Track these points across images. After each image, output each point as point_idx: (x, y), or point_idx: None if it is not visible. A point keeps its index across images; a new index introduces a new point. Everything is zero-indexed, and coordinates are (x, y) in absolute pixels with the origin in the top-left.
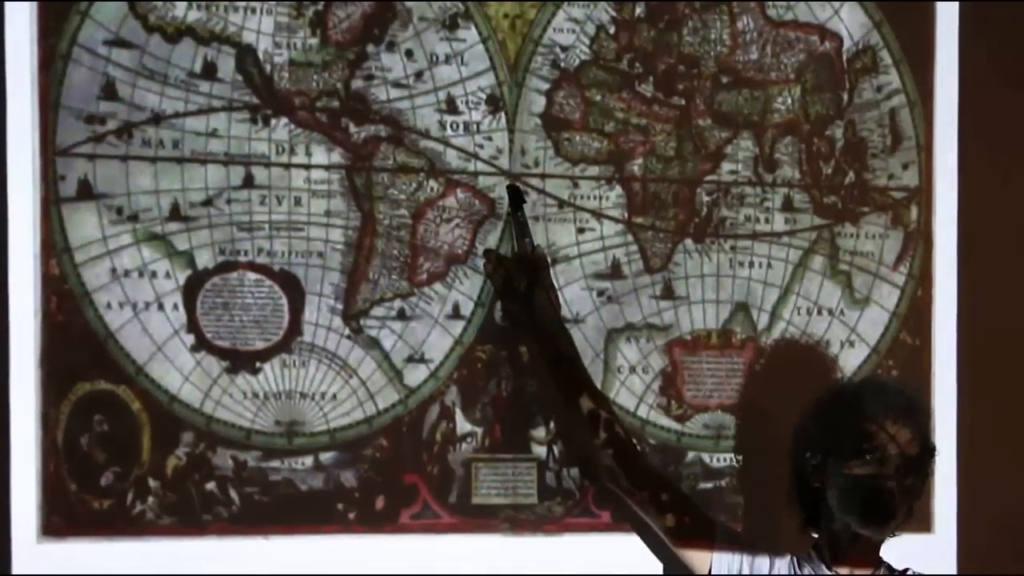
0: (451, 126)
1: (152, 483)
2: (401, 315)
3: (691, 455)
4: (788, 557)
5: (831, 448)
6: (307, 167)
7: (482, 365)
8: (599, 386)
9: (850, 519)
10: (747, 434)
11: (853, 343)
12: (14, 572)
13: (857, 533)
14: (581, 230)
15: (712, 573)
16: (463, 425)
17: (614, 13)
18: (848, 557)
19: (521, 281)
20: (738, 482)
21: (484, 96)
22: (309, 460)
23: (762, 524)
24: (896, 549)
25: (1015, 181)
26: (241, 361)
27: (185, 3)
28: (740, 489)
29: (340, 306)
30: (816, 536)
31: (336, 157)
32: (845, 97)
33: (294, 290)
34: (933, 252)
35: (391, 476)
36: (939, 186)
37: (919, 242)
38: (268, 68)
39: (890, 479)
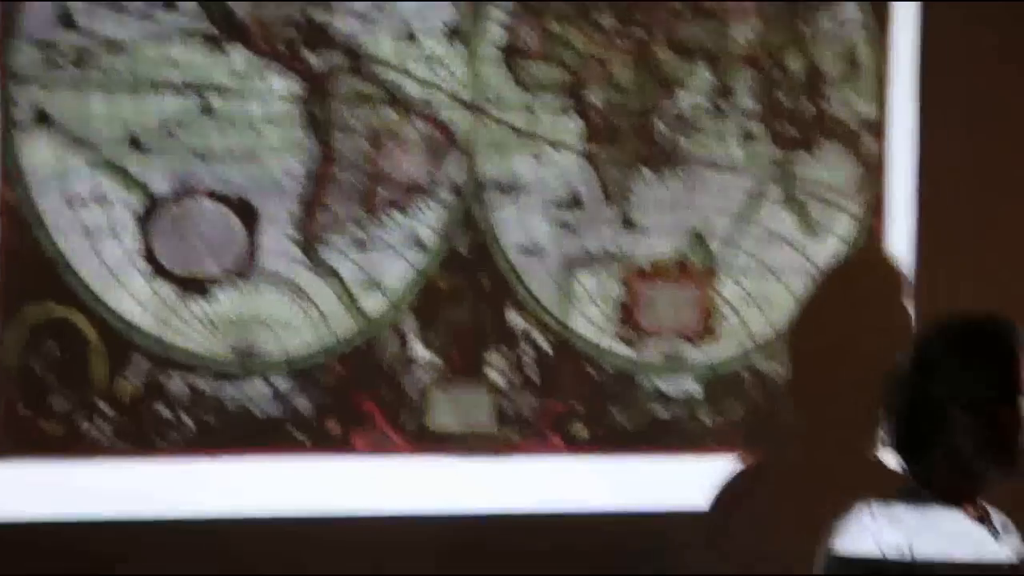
0: (411, 57)
1: (105, 408)
2: (359, 244)
3: (647, 382)
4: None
5: (971, 386)
6: (265, 96)
7: (441, 294)
8: (559, 316)
9: (986, 463)
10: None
11: (807, 271)
12: None
13: (978, 475)
14: (540, 159)
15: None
16: (420, 352)
17: None
18: (964, 499)
19: None
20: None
21: (444, 27)
22: (264, 386)
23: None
24: None
25: (972, 111)
26: (197, 288)
27: None
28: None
29: (298, 235)
30: (908, 472)
31: (294, 87)
32: (803, 29)
33: (251, 218)
34: (888, 182)
35: (346, 402)
36: (895, 117)
37: (875, 172)
38: None
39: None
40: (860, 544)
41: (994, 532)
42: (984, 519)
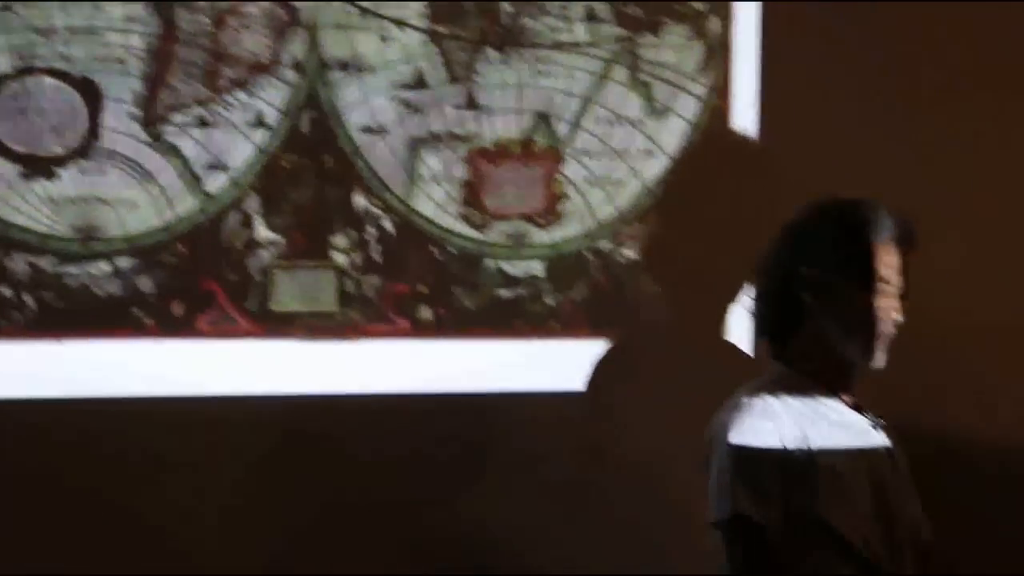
0: None
1: None
2: (202, 122)
3: (490, 263)
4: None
5: (837, 268)
6: None
7: (285, 174)
8: (403, 197)
9: (852, 347)
10: None
11: (652, 153)
12: None
13: (844, 361)
14: (384, 39)
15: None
16: (263, 232)
17: None
18: (839, 387)
19: None
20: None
21: None
22: (106, 266)
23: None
24: None
25: None
26: (38, 166)
27: None
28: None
29: (140, 112)
30: (777, 358)
31: None
32: None
33: (93, 96)
34: (733, 63)
35: (189, 282)
36: None
37: (719, 53)
38: None
39: (896, 310)
40: (762, 438)
41: (873, 421)
42: (860, 409)
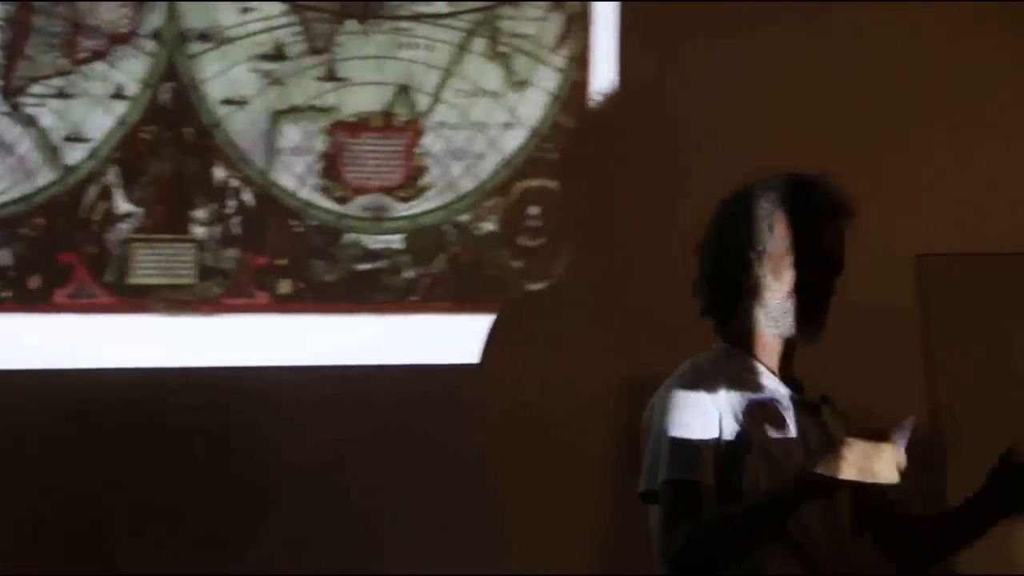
0: None
1: None
2: (60, 93)
3: (350, 236)
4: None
5: (770, 245)
6: None
7: (144, 146)
8: (263, 170)
9: (785, 324)
10: None
11: (512, 125)
12: None
13: (784, 338)
14: (245, 10)
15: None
16: (122, 205)
17: None
18: (772, 359)
19: None
20: None
21: None
22: None
23: None
24: None
25: None
26: None
27: None
28: None
29: None
30: (723, 336)
31: None
32: None
33: None
34: (592, 34)
35: (47, 255)
36: None
37: (579, 24)
38: None
39: (829, 285)
40: (698, 414)
41: (812, 401)
42: (800, 388)
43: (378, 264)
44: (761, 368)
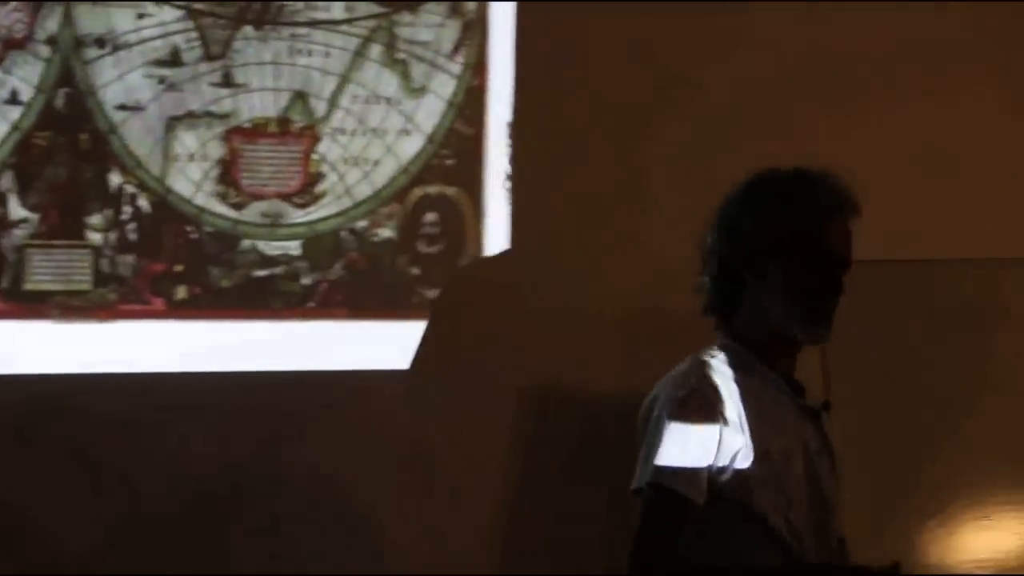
0: None
1: None
2: None
3: (246, 243)
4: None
5: (778, 242)
6: None
7: (39, 151)
8: (159, 176)
9: (793, 322)
10: None
11: (409, 132)
12: None
13: (785, 335)
14: (141, 15)
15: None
16: (17, 211)
17: None
18: (777, 363)
19: None
20: None
21: None
22: None
23: None
24: None
25: None
26: None
27: None
28: None
29: None
30: (725, 333)
31: None
32: None
33: None
34: (489, 41)
35: None
36: None
37: (476, 31)
38: None
39: (838, 283)
40: (697, 411)
41: (813, 404)
42: (802, 389)
43: (275, 270)
44: (764, 369)
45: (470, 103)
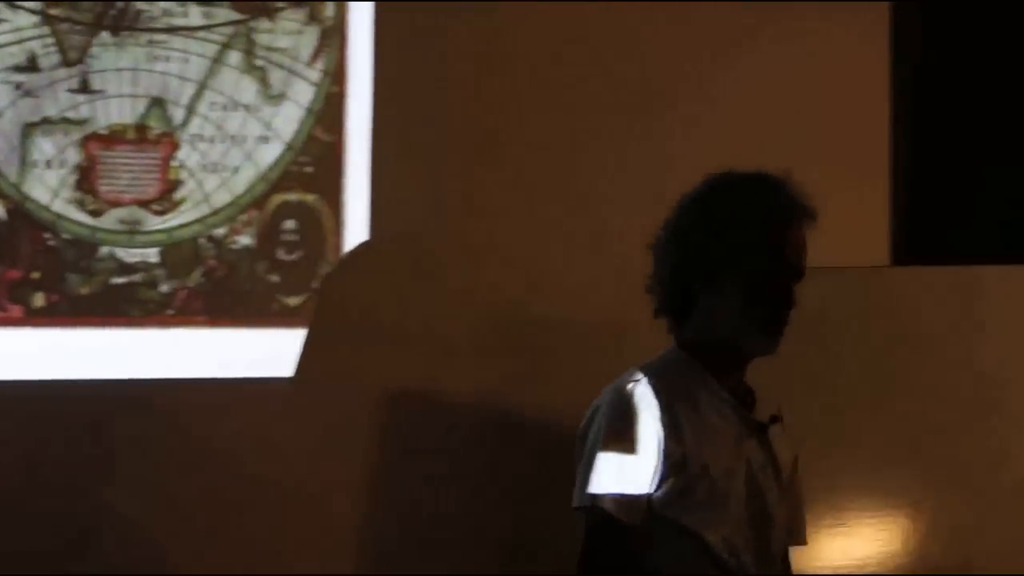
0: None
1: None
2: None
3: (105, 250)
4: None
5: (733, 254)
6: None
7: None
8: (15, 182)
9: (746, 334)
10: None
11: (268, 139)
12: None
13: (736, 343)
14: None
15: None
16: None
17: None
18: (726, 373)
19: None
20: None
21: None
22: None
23: None
24: None
25: None
26: None
27: None
28: None
29: None
30: (676, 338)
31: None
32: None
33: None
34: (348, 48)
35: None
36: None
37: (335, 38)
38: None
39: (791, 292)
40: (635, 427)
41: (759, 419)
42: (751, 402)
43: (134, 278)
44: (711, 380)
45: (329, 110)
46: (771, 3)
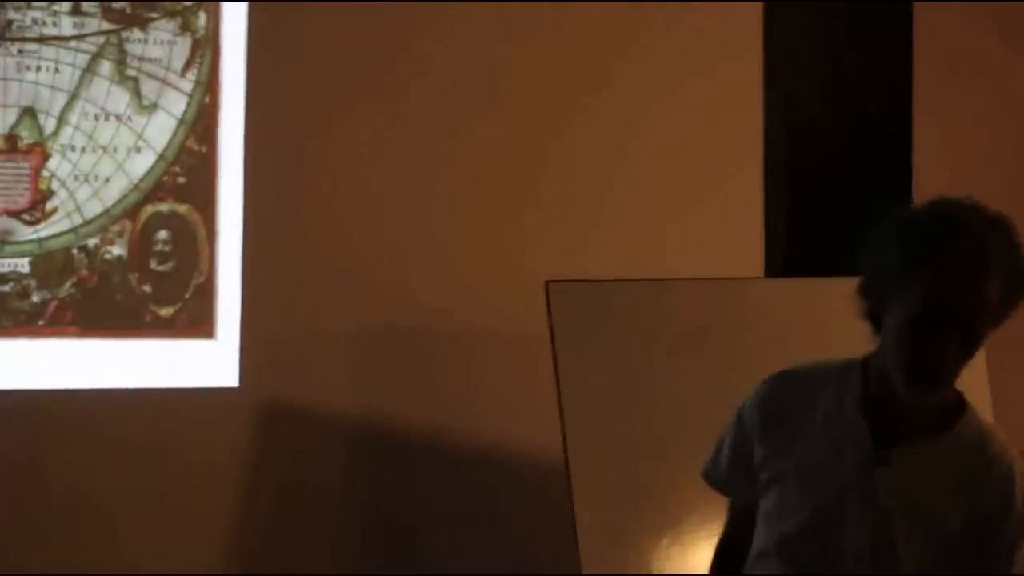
0: None
1: None
2: None
3: None
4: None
5: (889, 286)
6: None
7: None
8: None
9: (892, 370)
10: None
11: (140, 149)
12: None
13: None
14: None
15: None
16: None
17: None
18: (887, 399)
19: None
20: None
21: None
22: None
23: None
24: (177, 355)
25: None
26: None
27: None
28: None
29: None
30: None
31: None
32: None
33: None
34: (221, 59)
35: None
36: None
37: (207, 48)
38: None
39: (949, 340)
40: (755, 416)
41: (886, 453)
42: (892, 434)
43: (4, 288)
44: (850, 399)
45: (202, 120)
46: (647, 3)
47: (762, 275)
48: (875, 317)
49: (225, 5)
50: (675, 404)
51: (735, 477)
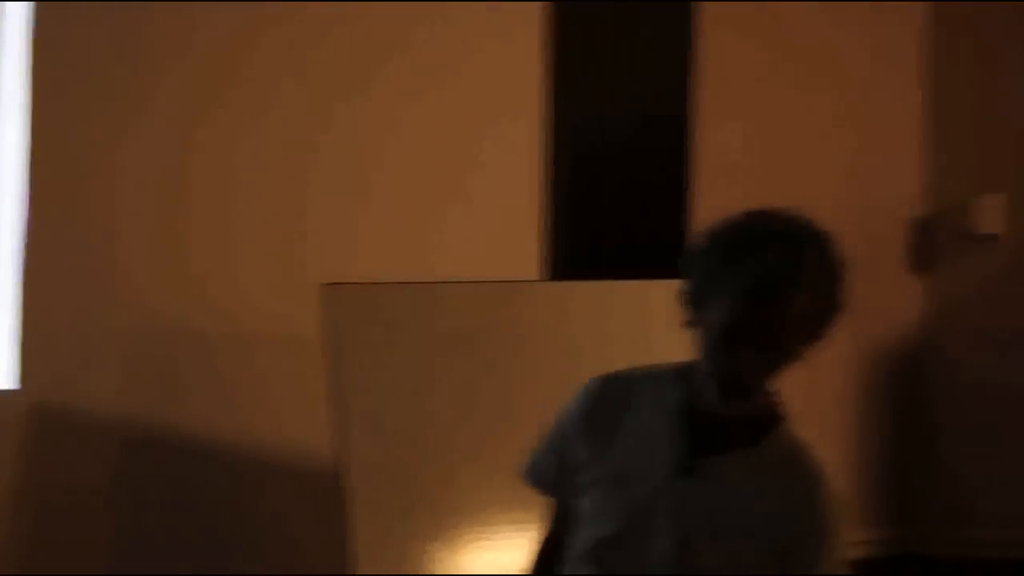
0: None
1: None
2: None
3: None
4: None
5: (701, 295)
6: None
7: None
8: None
9: (704, 384)
10: None
11: None
12: None
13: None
14: None
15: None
16: None
17: None
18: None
19: None
20: None
21: None
22: None
23: None
24: None
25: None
26: None
27: None
28: None
29: None
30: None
31: None
32: None
33: None
34: (2, 55)
35: None
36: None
37: None
38: None
39: (757, 352)
40: (578, 417)
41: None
42: (718, 441)
43: None
44: (674, 408)
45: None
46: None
47: (540, 277)
48: (694, 325)
49: (7, 5)
50: (447, 405)
51: (558, 477)
